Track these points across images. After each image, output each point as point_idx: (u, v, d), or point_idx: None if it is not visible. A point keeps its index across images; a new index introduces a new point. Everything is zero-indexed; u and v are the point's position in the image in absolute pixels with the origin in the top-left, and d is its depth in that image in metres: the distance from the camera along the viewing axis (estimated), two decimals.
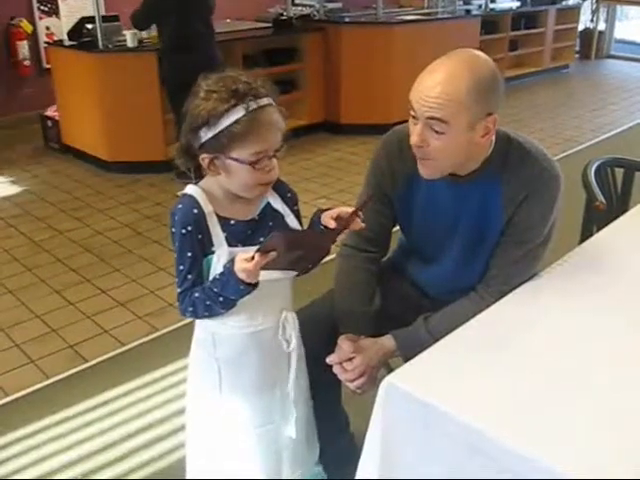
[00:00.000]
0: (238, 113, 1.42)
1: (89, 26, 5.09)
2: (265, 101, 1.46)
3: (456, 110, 1.50)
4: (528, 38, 8.67)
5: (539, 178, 1.66)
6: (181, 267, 1.51)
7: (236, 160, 1.45)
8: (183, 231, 1.48)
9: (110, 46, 5.03)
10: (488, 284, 1.72)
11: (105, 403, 2.58)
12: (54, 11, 6.56)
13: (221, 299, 1.47)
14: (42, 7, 6.49)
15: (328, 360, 1.68)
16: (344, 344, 1.69)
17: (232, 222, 1.53)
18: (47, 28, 6.50)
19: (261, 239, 1.54)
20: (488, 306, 1.63)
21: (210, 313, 1.53)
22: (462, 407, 1.24)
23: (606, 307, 1.63)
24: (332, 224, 1.47)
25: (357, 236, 1.86)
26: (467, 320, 1.56)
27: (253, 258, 1.37)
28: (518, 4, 8.60)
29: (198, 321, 1.63)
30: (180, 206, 1.51)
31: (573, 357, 1.42)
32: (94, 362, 2.84)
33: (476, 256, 1.76)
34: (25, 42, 6.35)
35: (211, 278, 1.51)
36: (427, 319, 1.71)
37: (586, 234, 2.20)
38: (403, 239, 1.98)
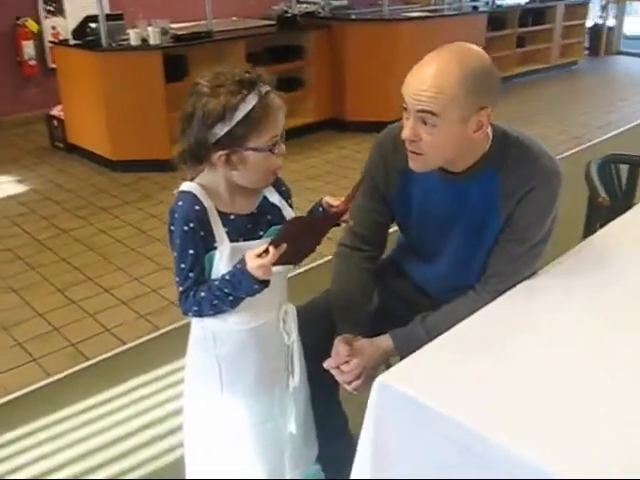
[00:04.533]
0: (252, 101, 1.42)
1: (93, 25, 5.09)
2: (269, 86, 1.47)
3: (447, 103, 1.49)
4: (536, 34, 8.63)
5: (538, 174, 1.63)
6: (182, 265, 1.50)
7: (254, 149, 1.44)
8: (185, 228, 1.47)
9: (114, 45, 5.03)
10: (486, 282, 1.70)
11: (106, 401, 2.57)
12: (59, 10, 6.57)
13: (231, 298, 1.47)
14: (47, 7, 6.50)
15: (325, 365, 1.67)
16: (340, 347, 1.67)
17: (232, 217, 1.53)
18: (53, 27, 6.51)
19: (261, 233, 1.55)
20: (485, 304, 1.61)
21: (216, 312, 1.52)
22: (454, 407, 1.22)
23: (606, 306, 1.59)
24: (336, 202, 1.50)
25: (353, 235, 1.85)
26: (465, 319, 1.54)
27: (266, 252, 1.37)
28: (527, 0, 8.56)
29: (195, 320, 1.62)
30: (180, 203, 1.49)
31: (569, 358, 1.39)
32: (95, 360, 2.84)
33: (474, 254, 1.74)
34: (31, 42, 6.37)
35: (214, 276, 1.50)
36: (425, 318, 1.69)
37: (589, 231, 2.17)
38: (402, 238, 1.96)
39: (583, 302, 1.61)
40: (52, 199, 4.77)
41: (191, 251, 1.48)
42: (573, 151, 5.60)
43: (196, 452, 1.75)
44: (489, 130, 1.65)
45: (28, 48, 6.38)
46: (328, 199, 1.56)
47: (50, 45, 6.26)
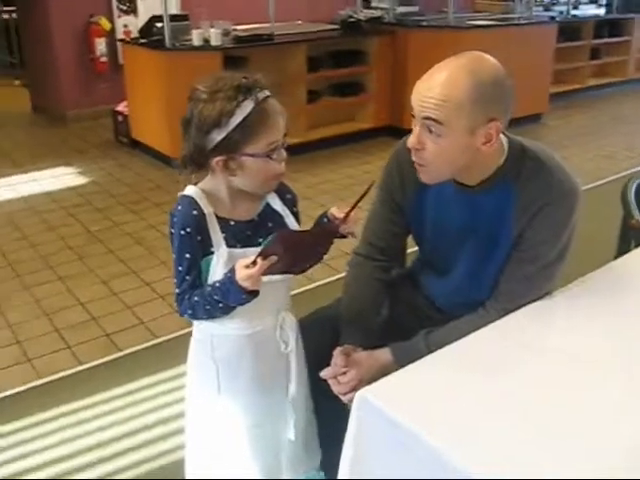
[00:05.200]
0: (248, 107, 1.42)
1: (159, 25, 5.22)
2: (267, 92, 1.46)
3: (453, 112, 1.45)
4: (612, 46, 8.35)
5: (554, 190, 1.57)
6: (179, 268, 1.52)
7: (252, 155, 1.44)
8: (182, 232, 1.48)
9: (177, 44, 5.13)
10: (496, 300, 1.65)
11: (129, 393, 2.63)
12: (132, 9, 6.77)
13: (221, 305, 1.48)
14: (121, 5, 6.71)
15: (322, 374, 1.64)
16: (338, 359, 1.65)
17: (232, 223, 1.53)
18: (125, 26, 6.71)
19: (260, 240, 1.54)
20: (491, 322, 1.56)
21: (209, 316, 1.54)
22: (430, 430, 1.17)
23: (621, 334, 1.50)
24: (340, 214, 1.49)
25: (368, 245, 1.83)
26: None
27: (254, 263, 1.36)
28: (603, 11, 8.29)
29: (196, 322, 1.64)
30: (179, 207, 1.51)
31: (569, 388, 1.32)
32: (126, 352, 2.90)
33: (486, 269, 1.69)
34: (103, 39, 6.59)
35: (210, 281, 1.51)
36: (428, 333, 1.65)
37: (620, 254, 2.07)
38: (419, 250, 1.93)
39: (596, 327, 1.53)
40: (109, 192, 4.92)
41: (188, 255, 1.49)
42: (638, 169, 5.37)
43: (195, 451, 1.76)
44: (505, 143, 1.61)
45: (100, 45, 6.60)
46: (333, 210, 1.54)
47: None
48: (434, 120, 1.47)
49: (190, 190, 1.52)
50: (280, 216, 1.59)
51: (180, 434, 2.34)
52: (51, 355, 2.88)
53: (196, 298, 1.50)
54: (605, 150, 5.92)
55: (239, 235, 1.53)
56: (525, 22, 6.55)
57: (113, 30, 6.70)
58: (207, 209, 1.50)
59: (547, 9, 7.97)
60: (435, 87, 1.46)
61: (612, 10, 8.44)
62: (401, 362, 1.62)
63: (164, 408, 2.54)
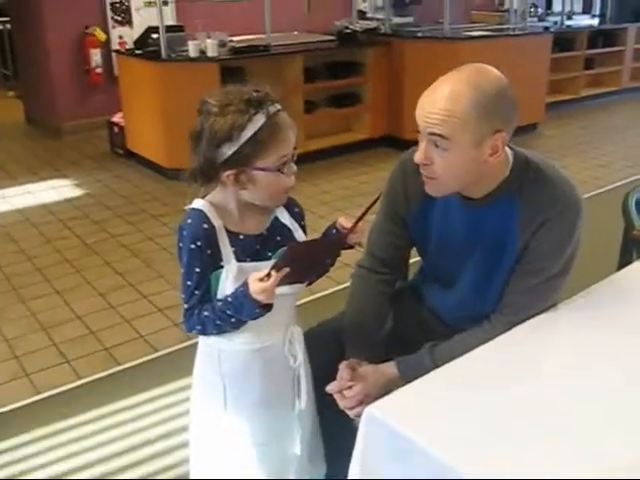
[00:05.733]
0: (259, 121, 1.42)
1: (154, 36, 5.22)
2: (278, 105, 1.46)
3: (457, 126, 1.45)
4: (606, 56, 8.39)
5: (557, 203, 1.57)
6: (188, 283, 1.50)
7: (263, 169, 1.44)
8: (192, 246, 1.47)
9: (173, 55, 5.13)
10: (501, 313, 1.64)
11: (130, 407, 2.60)
12: (127, 20, 6.77)
13: (233, 320, 1.47)
14: (116, 17, 6.71)
15: (328, 389, 1.63)
16: (343, 373, 1.64)
17: (241, 237, 1.52)
18: (120, 37, 6.71)
19: (269, 254, 1.54)
20: (497, 336, 1.55)
21: (219, 331, 1.52)
22: (441, 445, 1.16)
23: (626, 349, 1.49)
24: (348, 224, 1.49)
25: (371, 257, 1.83)
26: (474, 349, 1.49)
27: (268, 275, 1.36)
28: (597, 22, 8.34)
29: (202, 337, 1.62)
30: (189, 221, 1.49)
31: (575, 401, 1.31)
32: (125, 366, 2.88)
33: (491, 282, 1.68)
34: (98, 50, 6.57)
35: (220, 296, 1.50)
36: (433, 347, 1.64)
37: (622, 265, 2.07)
38: (422, 262, 1.92)
39: (601, 340, 1.52)
40: (105, 204, 4.90)
41: (197, 269, 1.48)
42: (635, 178, 5.39)
43: (200, 468, 1.75)
44: (510, 155, 1.61)
45: (95, 56, 6.58)
46: (341, 220, 1.54)
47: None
48: (439, 135, 1.46)
49: (199, 203, 1.51)
50: (289, 230, 1.58)
51: (182, 448, 2.34)
52: (50, 370, 2.85)
53: (206, 313, 1.48)
54: (601, 160, 5.95)
55: (248, 249, 1.52)
56: (520, 33, 6.58)
57: (108, 41, 6.68)
58: (217, 222, 1.49)
59: (541, 20, 8.02)
60: (439, 102, 1.46)
61: (606, 20, 8.52)
62: (407, 377, 1.61)
63: (166, 422, 2.52)
